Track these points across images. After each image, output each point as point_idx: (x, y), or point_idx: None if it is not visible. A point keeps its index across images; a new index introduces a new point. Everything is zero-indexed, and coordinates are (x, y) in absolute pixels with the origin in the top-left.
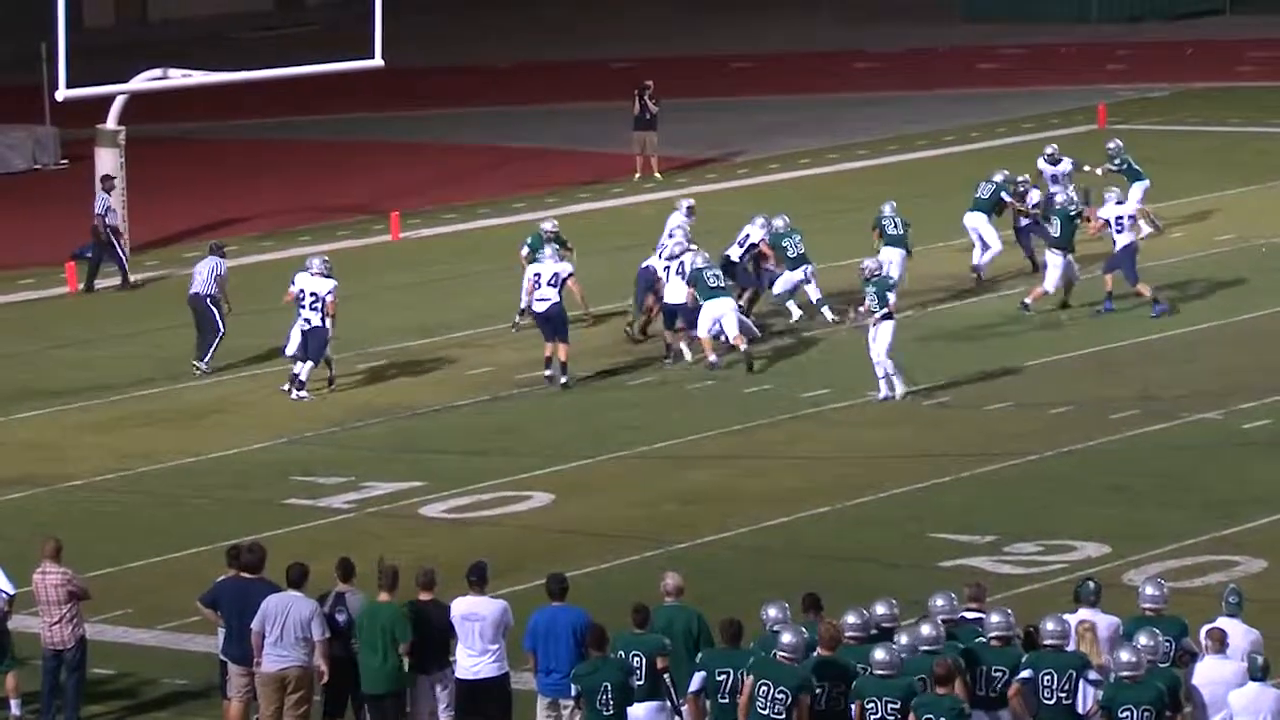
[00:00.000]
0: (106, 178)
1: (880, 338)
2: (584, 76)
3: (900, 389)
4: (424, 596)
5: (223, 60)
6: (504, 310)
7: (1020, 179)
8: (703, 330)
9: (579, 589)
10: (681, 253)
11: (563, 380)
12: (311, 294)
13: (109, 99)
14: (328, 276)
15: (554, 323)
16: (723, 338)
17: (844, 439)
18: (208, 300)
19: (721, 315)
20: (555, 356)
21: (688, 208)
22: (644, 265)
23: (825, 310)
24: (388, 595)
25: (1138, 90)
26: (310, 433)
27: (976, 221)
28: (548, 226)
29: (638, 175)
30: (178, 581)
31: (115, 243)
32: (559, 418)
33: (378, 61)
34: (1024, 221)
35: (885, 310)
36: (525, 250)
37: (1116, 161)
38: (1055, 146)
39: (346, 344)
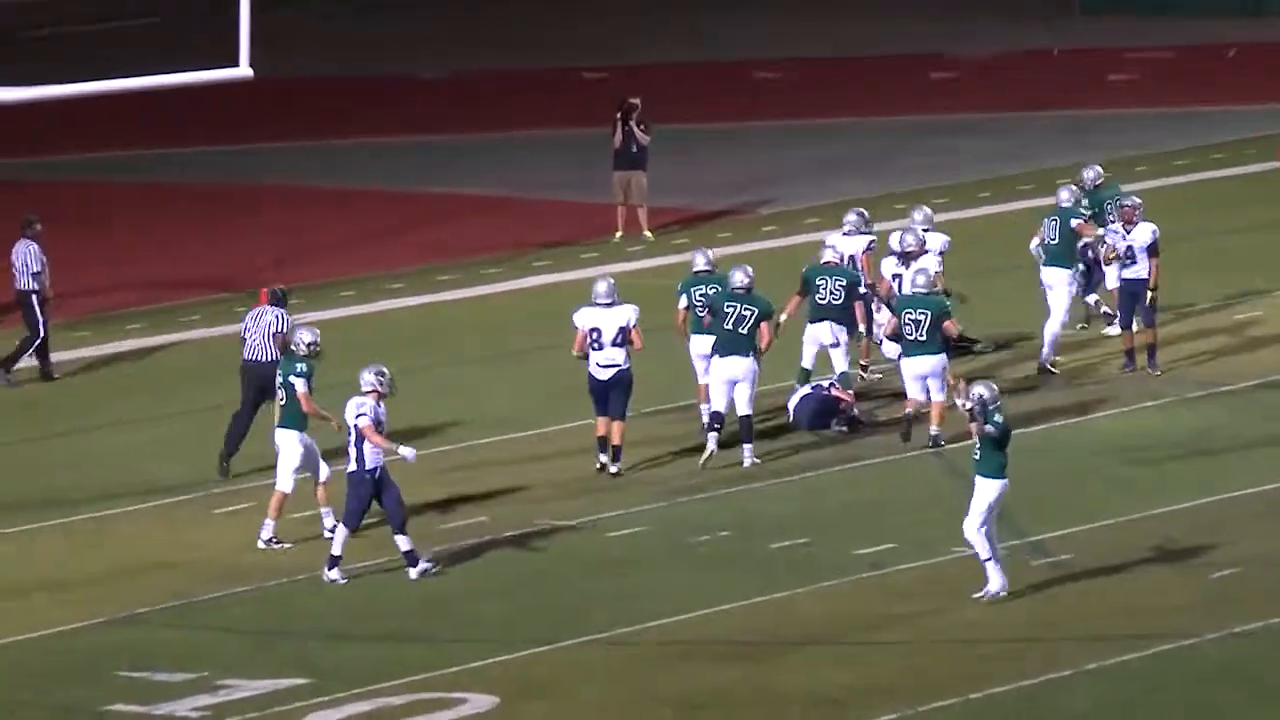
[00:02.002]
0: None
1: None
2: (542, 91)
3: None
4: None
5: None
6: (429, 424)
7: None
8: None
9: None
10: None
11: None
12: None
13: None
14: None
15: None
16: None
17: (914, 614)
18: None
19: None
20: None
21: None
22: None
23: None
24: None
25: None
26: (145, 608)
27: (1054, 278)
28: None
29: (619, 234)
30: None
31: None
32: (507, 583)
33: (245, 71)
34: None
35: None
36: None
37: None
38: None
39: (202, 480)
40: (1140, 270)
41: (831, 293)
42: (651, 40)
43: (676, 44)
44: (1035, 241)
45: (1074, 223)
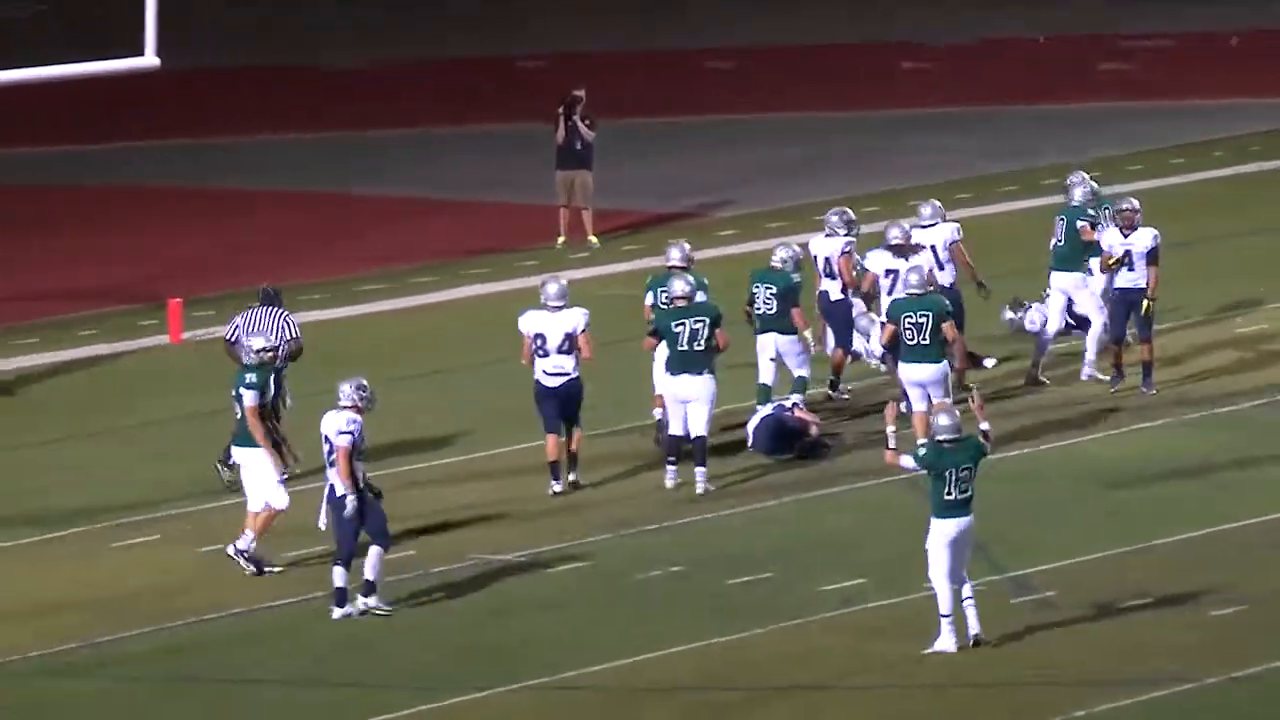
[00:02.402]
0: None
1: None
2: (475, 82)
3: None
4: None
5: None
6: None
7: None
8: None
9: None
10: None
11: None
12: None
13: None
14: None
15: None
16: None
17: (888, 656)
18: None
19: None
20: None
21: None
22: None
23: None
24: None
25: None
26: (19, 655)
27: (1064, 283)
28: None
29: (562, 239)
30: None
31: None
32: (436, 623)
33: (151, 61)
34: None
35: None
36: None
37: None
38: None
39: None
40: (1139, 278)
41: (765, 302)
42: (595, 26)
43: (622, 29)
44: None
45: (1079, 223)
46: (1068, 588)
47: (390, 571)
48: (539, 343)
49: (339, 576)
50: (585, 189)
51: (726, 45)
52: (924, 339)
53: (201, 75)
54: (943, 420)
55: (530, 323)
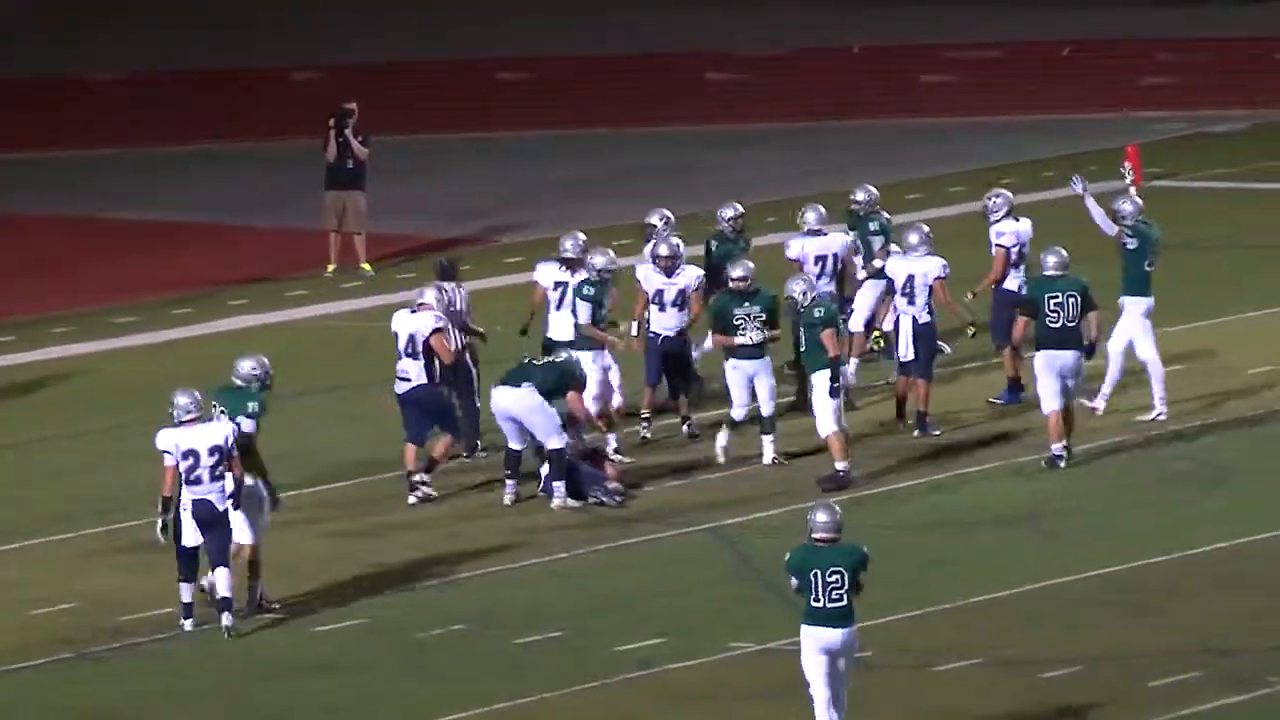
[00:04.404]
0: None
1: None
2: (238, 95)
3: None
4: None
5: None
6: (121, 489)
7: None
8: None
9: None
10: None
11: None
12: None
13: None
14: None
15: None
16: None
17: None
18: None
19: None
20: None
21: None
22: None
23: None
24: None
25: (1191, 120)
26: None
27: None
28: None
29: (332, 267)
30: None
31: None
32: (189, 687)
33: None
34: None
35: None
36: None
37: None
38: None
39: None
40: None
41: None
42: (372, 34)
43: (403, 39)
44: None
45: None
46: (883, 646)
47: (141, 631)
48: (406, 345)
49: (186, 592)
50: (357, 211)
51: (518, 55)
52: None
53: None
54: (820, 516)
55: (396, 323)
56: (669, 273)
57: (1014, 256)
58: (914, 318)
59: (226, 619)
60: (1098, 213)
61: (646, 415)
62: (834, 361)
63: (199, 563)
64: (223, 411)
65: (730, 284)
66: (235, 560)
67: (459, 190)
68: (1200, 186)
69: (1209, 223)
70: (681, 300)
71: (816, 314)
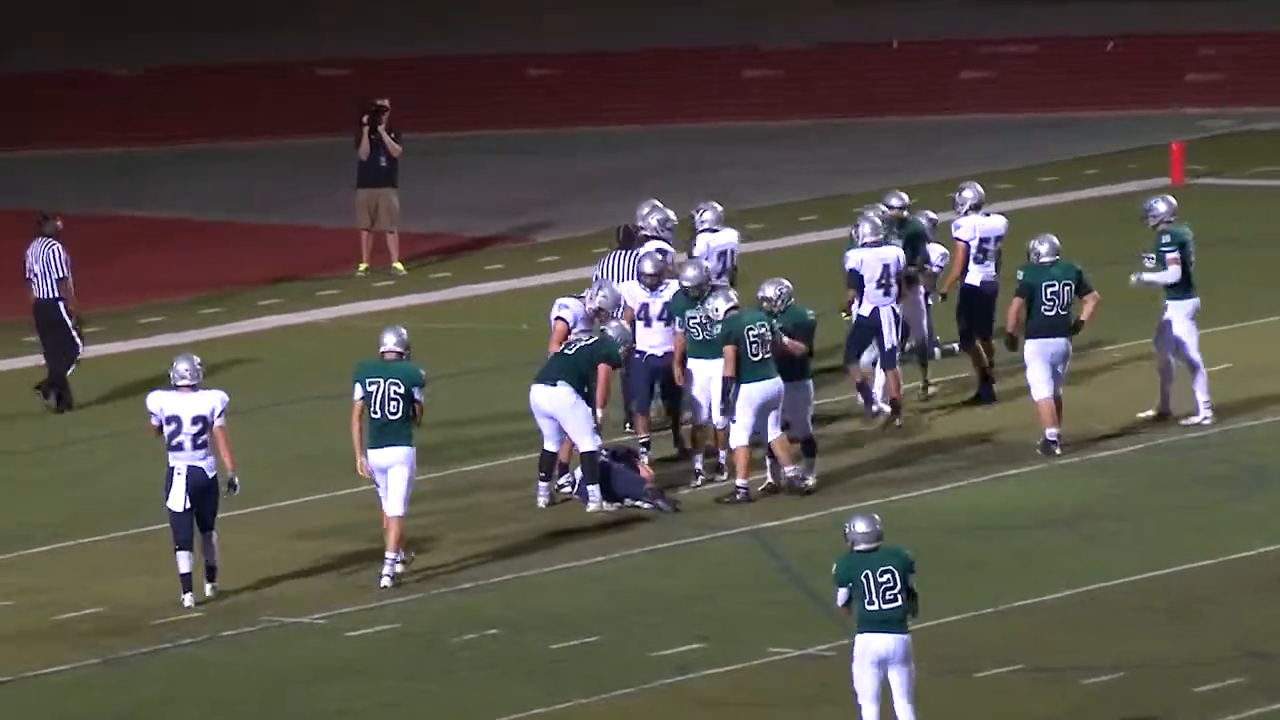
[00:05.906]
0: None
1: None
2: (266, 91)
3: None
4: None
5: None
6: (141, 493)
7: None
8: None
9: None
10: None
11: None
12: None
13: None
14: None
15: None
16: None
17: None
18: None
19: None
20: None
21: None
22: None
23: None
24: None
25: (1238, 118)
26: None
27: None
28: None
29: (364, 266)
30: None
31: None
32: (222, 695)
33: None
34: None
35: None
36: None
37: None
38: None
39: None
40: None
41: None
42: (402, 30)
43: (432, 32)
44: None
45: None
46: (924, 652)
47: (169, 637)
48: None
49: (183, 561)
50: (390, 210)
51: (551, 52)
52: (755, 354)
53: None
54: (860, 527)
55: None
56: (653, 288)
57: (974, 251)
58: (893, 308)
59: (209, 589)
60: (1151, 277)
61: (645, 441)
62: (727, 380)
63: (192, 530)
64: (392, 383)
65: (682, 285)
66: (387, 534)
67: (492, 188)
68: (1246, 184)
69: (1254, 222)
70: (668, 316)
71: (774, 323)
